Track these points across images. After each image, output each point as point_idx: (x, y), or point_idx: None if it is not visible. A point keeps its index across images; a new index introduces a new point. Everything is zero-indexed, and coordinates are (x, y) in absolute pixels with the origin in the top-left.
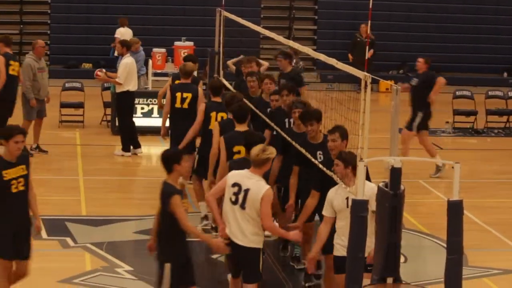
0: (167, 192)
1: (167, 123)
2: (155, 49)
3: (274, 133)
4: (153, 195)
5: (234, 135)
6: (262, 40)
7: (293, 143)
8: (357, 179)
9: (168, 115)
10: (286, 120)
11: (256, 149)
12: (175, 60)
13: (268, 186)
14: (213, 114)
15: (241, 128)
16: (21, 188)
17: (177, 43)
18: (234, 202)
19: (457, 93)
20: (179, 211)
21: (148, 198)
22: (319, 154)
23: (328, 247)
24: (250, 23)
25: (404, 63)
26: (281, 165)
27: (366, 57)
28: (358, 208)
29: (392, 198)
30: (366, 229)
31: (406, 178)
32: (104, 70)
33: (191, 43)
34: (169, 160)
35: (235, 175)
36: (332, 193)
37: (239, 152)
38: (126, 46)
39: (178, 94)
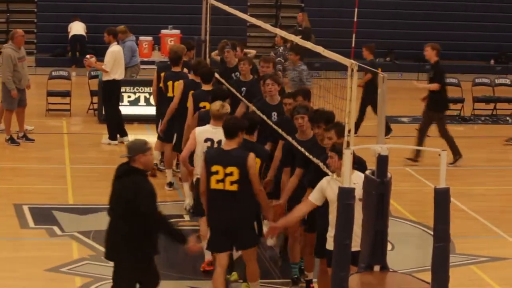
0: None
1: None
2: (141, 37)
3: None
4: None
5: (201, 92)
6: (249, 28)
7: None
8: (343, 167)
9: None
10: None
11: (216, 105)
12: (161, 48)
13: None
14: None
15: (207, 87)
16: None
17: (163, 31)
18: None
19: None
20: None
21: None
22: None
23: (320, 252)
24: (236, 11)
25: (391, 51)
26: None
27: (353, 45)
28: (344, 195)
29: (379, 186)
30: (353, 217)
31: (393, 165)
32: (94, 56)
33: (177, 31)
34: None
35: (202, 132)
36: (325, 183)
37: (204, 107)
38: (113, 34)
39: (170, 83)
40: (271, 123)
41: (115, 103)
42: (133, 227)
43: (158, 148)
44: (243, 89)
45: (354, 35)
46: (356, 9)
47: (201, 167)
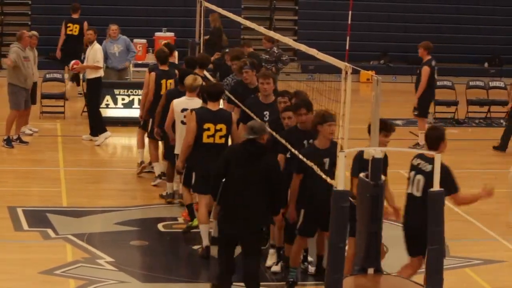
0: None
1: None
2: (136, 40)
3: (288, 155)
4: (133, 186)
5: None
6: (243, 31)
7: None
8: (338, 170)
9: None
10: (305, 141)
11: (189, 79)
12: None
13: None
14: (163, 81)
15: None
16: None
17: (157, 34)
18: (184, 123)
19: (438, 83)
20: None
21: (128, 189)
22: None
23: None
24: (231, 14)
25: (385, 54)
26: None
27: (347, 47)
28: (339, 198)
29: (373, 188)
30: (348, 220)
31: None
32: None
33: (171, 34)
34: None
35: (179, 103)
36: None
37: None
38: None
39: (163, 81)
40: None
41: (99, 100)
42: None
43: (141, 146)
44: (266, 113)
45: (348, 38)
46: (350, 12)
47: (192, 126)
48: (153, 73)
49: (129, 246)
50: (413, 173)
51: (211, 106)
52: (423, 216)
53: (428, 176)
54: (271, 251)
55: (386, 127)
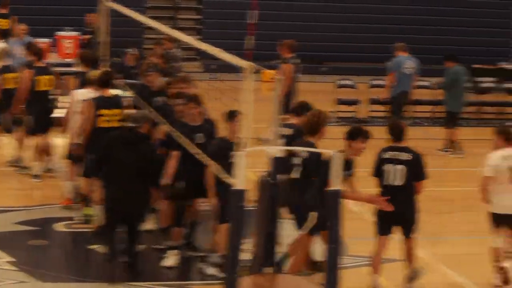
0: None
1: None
2: (38, 39)
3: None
4: (30, 185)
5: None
6: (147, 30)
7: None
8: (237, 170)
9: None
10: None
11: (93, 72)
12: (58, 50)
13: None
14: (40, 77)
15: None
16: None
17: (60, 33)
18: None
19: (340, 82)
20: None
21: (25, 189)
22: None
23: None
24: (134, 13)
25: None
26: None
27: (251, 47)
28: (237, 197)
29: (272, 188)
30: (243, 220)
31: None
32: None
33: (75, 33)
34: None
35: (79, 94)
36: None
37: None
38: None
39: (40, 78)
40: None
41: None
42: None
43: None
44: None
45: (253, 38)
46: (256, 12)
47: (87, 113)
48: (27, 71)
49: (28, 246)
50: (389, 165)
51: (105, 92)
52: (409, 202)
53: (408, 164)
54: (172, 251)
55: (364, 134)
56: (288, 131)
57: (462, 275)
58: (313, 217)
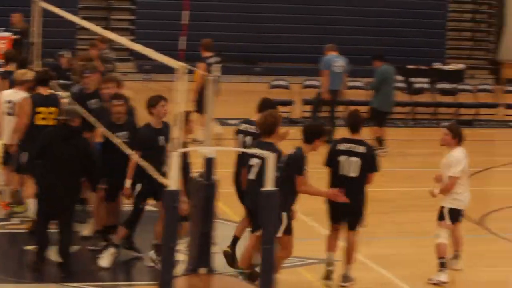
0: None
1: None
2: None
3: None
4: None
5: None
6: (79, 31)
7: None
8: (170, 170)
9: None
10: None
11: (19, 72)
12: None
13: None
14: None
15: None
16: None
17: None
18: (10, 114)
19: (273, 83)
20: None
21: None
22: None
23: None
24: (67, 13)
25: (219, 53)
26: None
27: (184, 47)
28: (171, 198)
29: (206, 188)
30: (178, 220)
31: (221, 168)
32: None
33: (9, 34)
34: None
35: (5, 95)
36: None
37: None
38: None
39: None
40: None
41: None
42: None
43: None
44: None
45: (185, 38)
46: (188, 12)
47: (26, 110)
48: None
49: None
50: (345, 157)
51: (42, 90)
52: (360, 194)
53: (363, 157)
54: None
55: (326, 131)
56: (252, 128)
57: (393, 274)
58: (284, 217)
